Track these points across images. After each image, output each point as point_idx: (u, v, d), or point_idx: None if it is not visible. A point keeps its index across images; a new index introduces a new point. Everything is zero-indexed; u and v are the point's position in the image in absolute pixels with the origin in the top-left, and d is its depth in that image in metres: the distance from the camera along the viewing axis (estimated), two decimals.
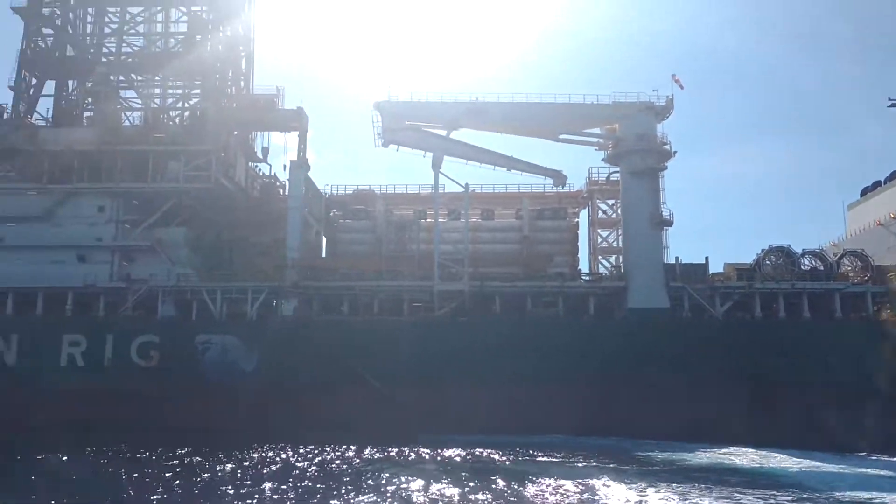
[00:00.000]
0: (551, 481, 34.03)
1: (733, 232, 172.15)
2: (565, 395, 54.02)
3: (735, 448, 48.21)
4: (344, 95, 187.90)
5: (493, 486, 32.96)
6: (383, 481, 34.30)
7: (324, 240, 71.81)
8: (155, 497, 31.00)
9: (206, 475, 36.70)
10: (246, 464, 40.74)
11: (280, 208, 67.75)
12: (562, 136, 64.78)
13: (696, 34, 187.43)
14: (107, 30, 76.38)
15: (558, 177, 64.59)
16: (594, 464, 40.66)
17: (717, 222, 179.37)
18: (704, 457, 46.13)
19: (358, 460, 42.76)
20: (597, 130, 65.57)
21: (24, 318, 60.61)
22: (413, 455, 44.60)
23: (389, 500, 30.15)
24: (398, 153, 65.15)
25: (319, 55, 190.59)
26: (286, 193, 69.08)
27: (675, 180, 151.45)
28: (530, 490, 32.65)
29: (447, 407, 53.27)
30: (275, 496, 31.20)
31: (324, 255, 70.25)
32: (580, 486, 32.97)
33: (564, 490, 32.40)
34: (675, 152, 62.77)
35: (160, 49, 75.10)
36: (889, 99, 71.65)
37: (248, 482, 34.34)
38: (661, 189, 62.43)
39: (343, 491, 32.38)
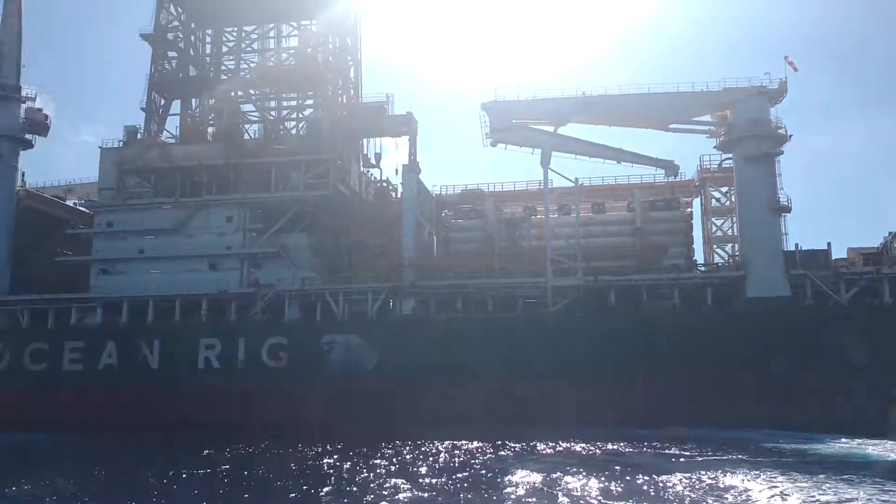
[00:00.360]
0: (690, 475, 33.97)
1: (855, 215, 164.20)
2: (685, 387, 53.87)
3: (868, 440, 46.66)
4: (442, 92, 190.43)
5: (635, 480, 33.06)
6: (522, 475, 34.98)
7: (434, 239, 73.53)
8: (324, 492, 32.72)
9: (364, 470, 38.36)
10: (384, 459, 42.33)
11: (393, 211, 70.06)
12: (671, 126, 63.98)
13: (799, 12, 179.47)
14: (224, 49, 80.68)
15: (670, 167, 63.90)
16: (726, 456, 40.31)
17: (837, 205, 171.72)
18: (836, 447, 44.99)
19: (490, 454, 43.60)
20: (707, 118, 64.43)
21: (164, 324, 65.12)
22: (539, 449, 45.20)
23: (537, 494, 30.83)
24: (503, 151, 66.04)
25: (414, 52, 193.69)
26: (398, 196, 71.42)
27: (790, 162, 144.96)
28: (672, 482, 32.60)
29: (566, 401, 53.81)
30: (423, 493, 32.22)
31: (435, 254, 71.91)
32: (718, 479, 32.93)
33: (706, 483, 32.29)
34: (791, 136, 61.18)
35: (274, 64, 78.66)
36: None
37: (397, 477, 35.64)
38: (777, 174, 60.97)
39: (485, 485, 33.43)
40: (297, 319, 63.55)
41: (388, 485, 33.59)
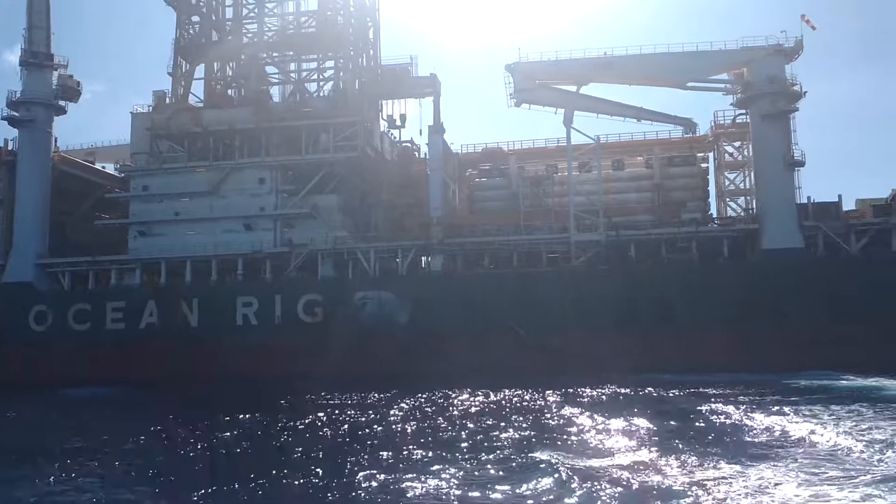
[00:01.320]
0: (732, 411, 36.61)
1: (860, 166, 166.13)
2: (704, 335, 56.87)
3: (879, 378, 49.34)
4: (450, 52, 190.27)
5: (694, 421, 34.89)
6: (561, 417, 37.35)
7: (458, 198, 75.72)
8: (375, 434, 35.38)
9: (416, 414, 40.90)
10: (426, 405, 45.00)
11: (418, 171, 72.32)
12: (689, 84, 66.00)
13: None
14: (244, 12, 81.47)
15: (689, 124, 66.21)
16: (759, 397, 42.81)
17: (843, 155, 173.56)
18: (850, 384, 47.98)
19: (528, 401, 46.04)
20: (724, 76, 66.49)
21: (203, 283, 67.70)
22: (582, 394, 47.16)
23: (583, 432, 33.50)
24: (522, 110, 68.33)
25: (426, 11, 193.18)
26: (421, 156, 73.57)
27: (802, 113, 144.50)
28: (708, 418, 35.35)
29: (590, 350, 56.47)
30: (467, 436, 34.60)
31: (459, 212, 74.12)
32: (754, 414, 35.73)
33: (754, 418, 34.61)
34: (806, 93, 63.34)
35: (293, 28, 79.57)
36: None
37: (447, 423, 37.97)
38: (792, 130, 63.37)
39: (564, 428, 35.24)
40: (330, 277, 66.21)
41: (436, 425, 36.13)
